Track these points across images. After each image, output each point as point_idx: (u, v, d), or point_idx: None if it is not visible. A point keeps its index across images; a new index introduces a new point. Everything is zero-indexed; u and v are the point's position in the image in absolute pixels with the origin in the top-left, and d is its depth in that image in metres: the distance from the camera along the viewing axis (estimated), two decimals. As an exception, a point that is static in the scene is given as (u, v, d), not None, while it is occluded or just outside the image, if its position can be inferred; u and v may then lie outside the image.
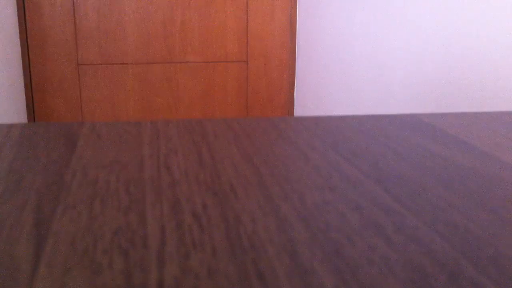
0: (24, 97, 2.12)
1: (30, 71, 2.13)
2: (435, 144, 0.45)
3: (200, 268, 0.25)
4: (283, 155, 0.41)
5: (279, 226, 0.30)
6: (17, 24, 2.06)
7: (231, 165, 0.39)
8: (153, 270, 0.25)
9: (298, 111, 2.29)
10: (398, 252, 0.27)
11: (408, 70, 1.54)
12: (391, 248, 0.27)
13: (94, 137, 0.46)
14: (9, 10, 1.94)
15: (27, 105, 2.13)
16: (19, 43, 2.07)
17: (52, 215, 0.31)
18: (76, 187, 0.35)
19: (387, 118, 0.52)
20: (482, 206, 0.33)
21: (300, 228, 0.29)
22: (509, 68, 1.18)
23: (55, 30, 2.11)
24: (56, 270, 0.25)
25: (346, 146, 0.44)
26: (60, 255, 0.26)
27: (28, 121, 2.15)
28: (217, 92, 2.27)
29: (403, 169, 0.39)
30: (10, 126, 0.49)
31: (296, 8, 2.24)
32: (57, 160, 0.40)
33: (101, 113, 2.20)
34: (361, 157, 0.41)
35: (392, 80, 1.62)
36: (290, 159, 0.41)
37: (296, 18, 2.25)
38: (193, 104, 2.26)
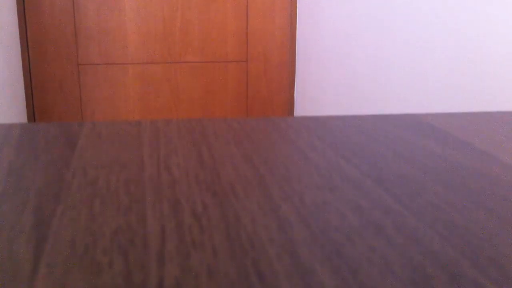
0: (24, 97, 2.12)
1: (30, 71, 2.13)
2: (435, 144, 0.45)
3: (200, 268, 0.25)
4: (283, 155, 0.41)
5: (279, 226, 0.30)
6: (17, 24, 2.06)
7: (231, 165, 0.39)
8: (153, 270, 0.25)
9: (298, 111, 2.29)
10: (398, 252, 0.27)
11: (409, 70, 1.54)
12: (391, 248, 0.27)
13: (94, 137, 0.46)
14: (9, 10, 1.94)
15: (27, 105, 2.13)
16: (19, 43, 2.07)
17: (52, 215, 0.31)
18: (76, 187, 0.35)
19: (387, 118, 0.52)
20: (482, 206, 0.33)
21: (300, 228, 0.29)
22: (509, 68, 1.18)
23: (55, 30, 2.11)
24: (56, 270, 0.25)
25: (346, 146, 0.44)
26: (60, 255, 0.26)
27: (28, 121, 2.15)
28: (217, 92, 2.27)
29: (403, 169, 0.39)
30: (10, 126, 0.49)
31: (296, 8, 2.24)
32: (57, 160, 0.40)
33: (101, 113, 2.20)
34: (361, 157, 0.41)
35: (392, 80, 1.63)
36: (290, 159, 0.41)
37: (296, 18, 2.25)
38: (193, 104, 2.26)
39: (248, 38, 2.24)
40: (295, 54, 2.27)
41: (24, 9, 2.07)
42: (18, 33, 2.06)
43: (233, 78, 2.27)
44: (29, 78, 2.12)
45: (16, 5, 2.04)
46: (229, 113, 2.29)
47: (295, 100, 2.31)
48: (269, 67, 2.28)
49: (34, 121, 2.17)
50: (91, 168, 0.38)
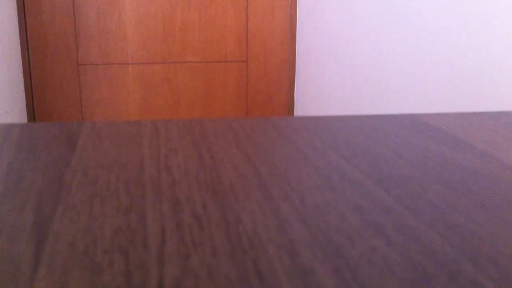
0: (24, 97, 2.12)
1: (30, 71, 2.13)
2: (435, 144, 0.45)
3: (200, 268, 0.25)
4: (283, 155, 0.41)
5: (279, 226, 0.30)
6: (17, 24, 2.06)
7: (231, 165, 0.39)
8: (153, 270, 0.25)
9: (298, 111, 2.29)
10: (398, 252, 0.27)
11: (408, 70, 1.54)
12: (391, 248, 0.27)
13: (94, 137, 0.46)
14: (9, 10, 1.94)
15: (27, 105, 2.13)
16: (19, 43, 2.07)
17: (52, 215, 0.31)
18: (76, 187, 0.35)
19: (387, 118, 0.52)
20: (482, 206, 0.33)
21: (300, 228, 0.29)
22: (509, 68, 1.18)
23: (55, 30, 2.11)
24: (56, 270, 0.25)
25: (346, 146, 0.44)
26: (60, 255, 0.26)
27: (28, 121, 2.15)
28: (217, 92, 2.27)
29: (403, 169, 0.39)
30: (10, 126, 0.49)
31: (296, 8, 2.24)
32: (57, 160, 0.40)
33: (101, 113, 2.20)
34: (361, 157, 0.41)
35: (392, 80, 1.62)
36: (290, 159, 0.41)
37: (296, 18, 2.25)
38: (193, 104, 2.26)
39: (248, 38, 2.24)
40: (295, 54, 2.27)
41: (24, 9, 2.07)
42: (18, 33, 2.06)
43: (233, 78, 2.27)
44: (29, 78, 2.12)
45: (16, 5, 2.04)
46: (229, 113, 2.29)
47: (295, 100, 2.31)
48: (269, 67, 2.28)
49: (34, 121, 2.17)
50: (91, 168, 0.38)
